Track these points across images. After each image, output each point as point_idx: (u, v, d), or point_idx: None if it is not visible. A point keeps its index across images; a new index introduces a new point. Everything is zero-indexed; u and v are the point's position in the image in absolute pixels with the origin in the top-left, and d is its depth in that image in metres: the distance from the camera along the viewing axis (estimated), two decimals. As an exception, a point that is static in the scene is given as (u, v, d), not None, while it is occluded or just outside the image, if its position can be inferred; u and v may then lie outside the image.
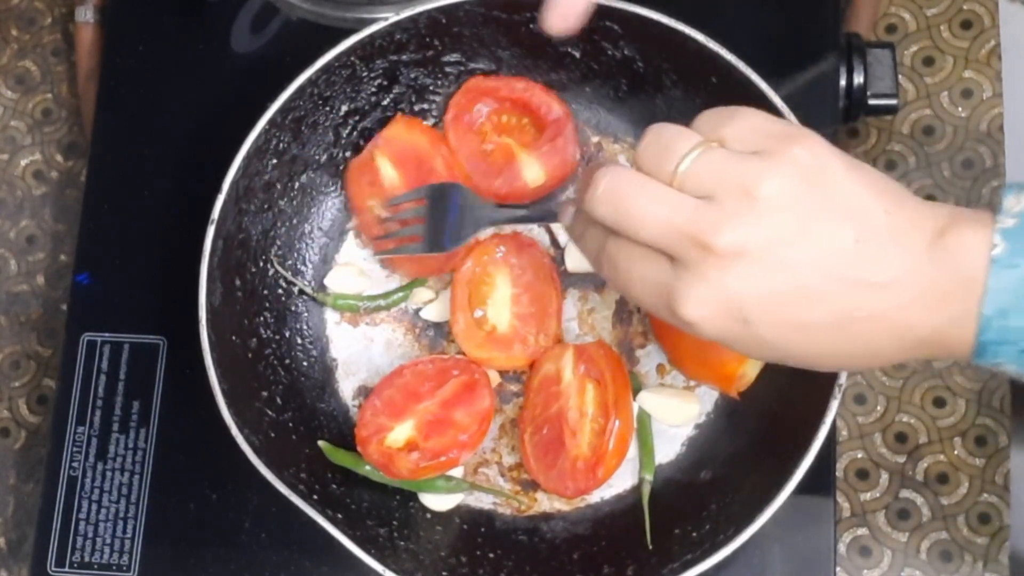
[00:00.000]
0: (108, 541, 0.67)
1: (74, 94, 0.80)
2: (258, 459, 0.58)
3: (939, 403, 0.69)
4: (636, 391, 0.65)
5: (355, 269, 0.69)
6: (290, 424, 0.64)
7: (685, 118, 0.67)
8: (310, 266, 0.69)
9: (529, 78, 0.68)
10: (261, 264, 0.67)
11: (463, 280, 0.66)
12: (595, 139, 0.70)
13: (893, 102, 0.68)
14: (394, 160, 0.67)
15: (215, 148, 0.63)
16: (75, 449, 0.68)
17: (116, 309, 0.70)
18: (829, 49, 0.68)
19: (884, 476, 0.68)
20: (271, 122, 0.63)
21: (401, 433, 0.63)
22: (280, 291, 0.68)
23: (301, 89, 0.64)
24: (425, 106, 0.70)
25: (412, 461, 0.62)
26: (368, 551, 0.57)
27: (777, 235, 0.43)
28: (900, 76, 0.71)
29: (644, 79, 0.66)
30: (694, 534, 0.60)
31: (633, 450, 0.65)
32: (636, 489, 0.65)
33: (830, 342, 0.45)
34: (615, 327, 0.68)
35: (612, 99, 0.69)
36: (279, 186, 0.67)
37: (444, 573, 0.60)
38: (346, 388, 0.68)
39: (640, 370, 0.67)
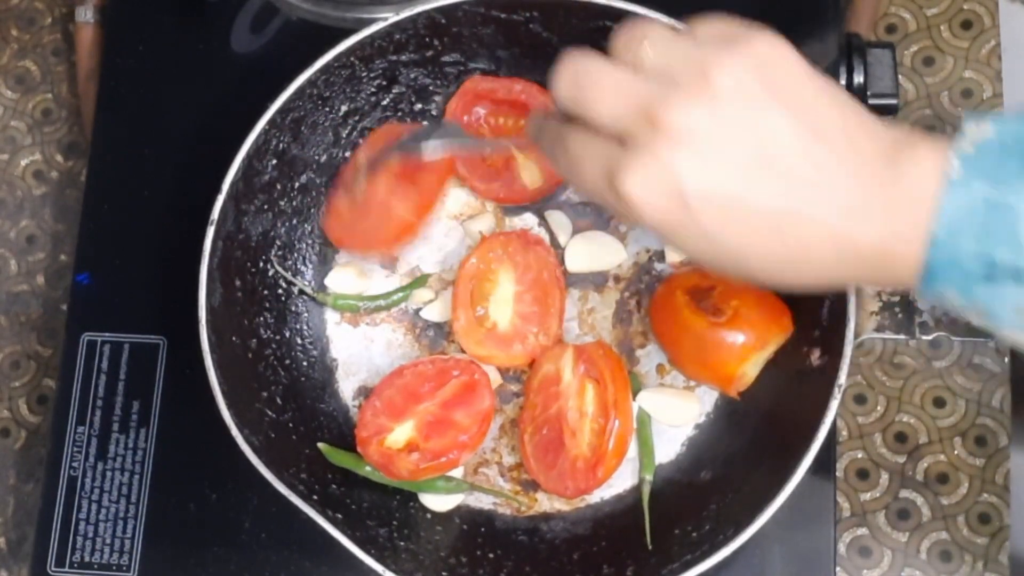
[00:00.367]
0: (108, 541, 0.67)
1: (74, 94, 0.80)
2: (258, 459, 0.58)
3: (939, 403, 0.69)
4: (636, 391, 0.65)
5: (355, 269, 0.69)
6: (290, 424, 0.64)
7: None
8: (310, 266, 0.69)
9: (528, 78, 0.68)
10: (261, 264, 0.67)
11: (467, 276, 0.66)
12: (595, 139, 0.70)
13: (893, 102, 0.68)
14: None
15: (215, 148, 0.63)
16: (75, 449, 0.68)
17: (116, 309, 0.70)
18: (829, 49, 0.68)
19: (884, 476, 0.68)
20: (271, 122, 0.63)
21: (401, 434, 0.63)
22: (280, 291, 0.68)
23: (301, 89, 0.64)
24: (424, 106, 0.70)
25: (412, 462, 0.62)
26: (368, 551, 0.57)
27: (727, 120, 0.42)
28: (900, 76, 0.71)
29: (644, 79, 0.66)
30: (694, 534, 0.60)
31: (633, 450, 0.65)
32: (636, 489, 0.65)
33: (767, 243, 0.44)
34: (615, 327, 0.68)
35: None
36: (279, 186, 0.67)
37: (444, 573, 0.60)
38: (346, 388, 0.68)
39: (640, 370, 0.67)
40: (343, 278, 0.69)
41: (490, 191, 0.68)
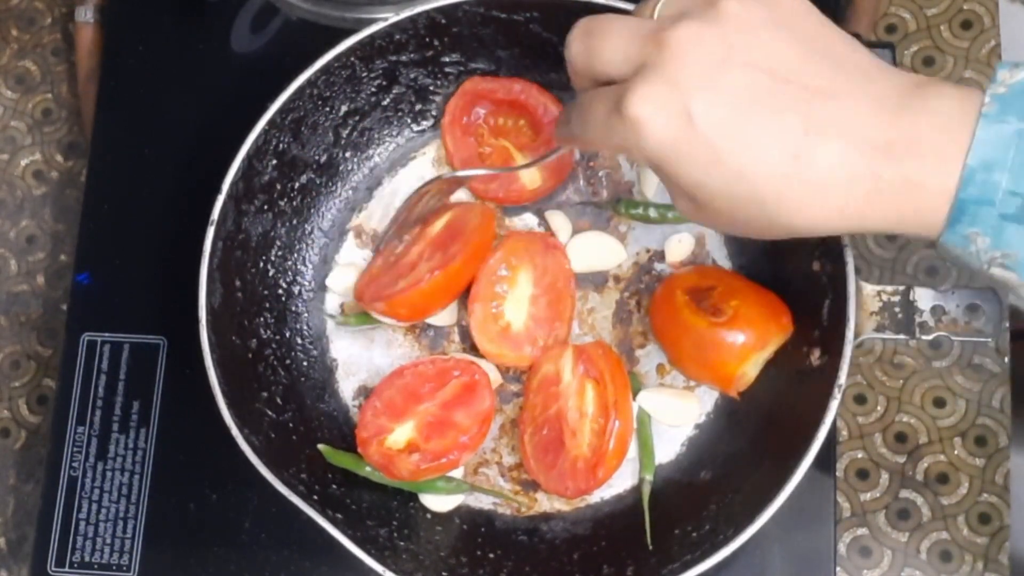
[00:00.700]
0: (108, 541, 0.67)
1: (74, 94, 0.80)
2: (258, 459, 0.58)
3: (939, 403, 0.69)
4: (636, 391, 0.65)
5: (355, 269, 0.69)
6: (290, 424, 0.64)
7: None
8: (310, 266, 0.69)
9: (528, 78, 0.68)
10: (261, 264, 0.67)
11: (489, 272, 0.66)
12: (595, 139, 0.70)
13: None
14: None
15: (215, 148, 0.63)
16: (75, 449, 0.68)
17: (116, 309, 0.70)
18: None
19: (884, 476, 0.68)
20: (271, 122, 0.63)
21: (402, 434, 0.63)
22: (280, 291, 0.68)
23: (301, 89, 0.64)
24: (424, 106, 0.70)
25: (413, 463, 0.62)
26: (368, 551, 0.57)
27: (736, 42, 0.42)
28: (900, 76, 0.71)
29: (644, 79, 0.66)
30: (694, 534, 0.60)
31: (633, 450, 0.65)
32: (636, 489, 0.65)
33: (779, 171, 0.42)
34: (615, 327, 0.68)
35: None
36: (279, 186, 0.67)
37: (444, 573, 0.60)
38: (346, 388, 0.68)
39: (640, 370, 0.67)
40: (343, 278, 0.69)
41: (489, 192, 0.68)
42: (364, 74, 0.66)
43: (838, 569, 0.66)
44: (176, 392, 0.69)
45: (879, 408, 0.69)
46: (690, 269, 0.67)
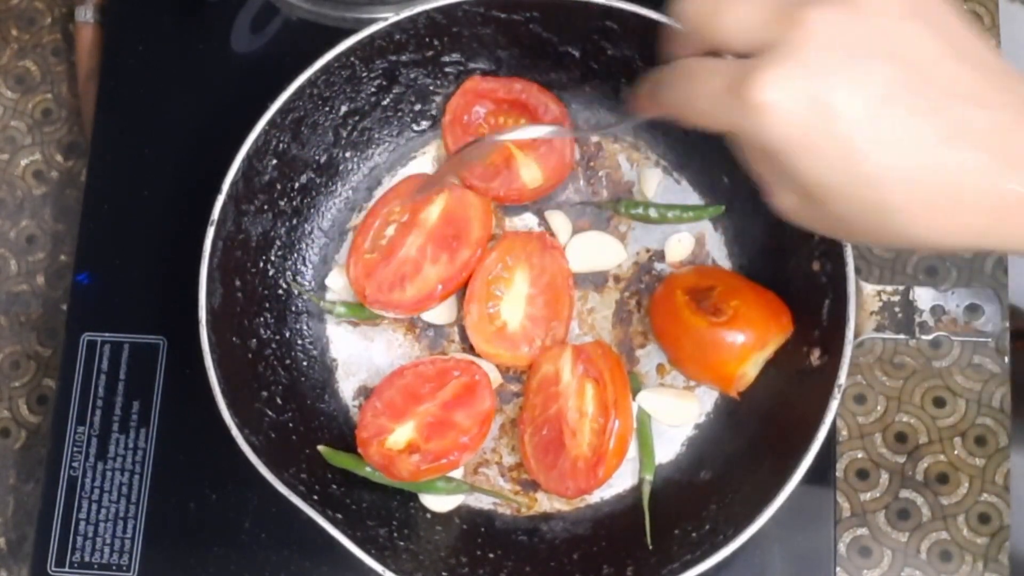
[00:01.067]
0: (108, 541, 0.67)
1: (74, 94, 0.80)
2: (258, 459, 0.58)
3: (939, 403, 0.69)
4: (636, 391, 0.65)
5: (355, 269, 0.69)
6: (290, 424, 0.64)
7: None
8: (310, 266, 0.69)
9: (528, 78, 0.68)
10: (261, 264, 0.67)
11: (484, 272, 0.66)
12: (595, 139, 0.70)
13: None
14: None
15: (215, 148, 0.63)
16: (75, 449, 0.68)
17: (116, 309, 0.70)
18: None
19: (884, 476, 0.68)
20: (271, 122, 0.63)
21: (402, 435, 0.63)
22: (280, 291, 0.68)
23: (301, 89, 0.64)
24: (424, 106, 0.70)
25: (413, 463, 0.62)
26: (368, 551, 0.57)
27: (875, 32, 0.39)
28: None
29: (644, 79, 0.66)
30: (694, 534, 0.60)
31: (633, 450, 0.65)
32: (636, 489, 0.65)
33: (912, 174, 0.39)
34: (615, 327, 0.68)
35: (612, 99, 0.69)
36: (279, 186, 0.67)
37: (444, 573, 0.60)
38: (346, 388, 0.68)
39: (640, 370, 0.67)
40: (343, 278, 0.69)
41: (490, 190, 0.68)
42: (364, 74, 0.66)
43: (838, 569, 0.66)
44: (176, 392, 0.69)
45: (879, 408, 0.69)
46: (690, 269, 0.67)
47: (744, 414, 0.64)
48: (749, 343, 0.61)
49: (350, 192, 0.70)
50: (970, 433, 0.69)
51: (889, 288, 0.59)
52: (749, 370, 0.62)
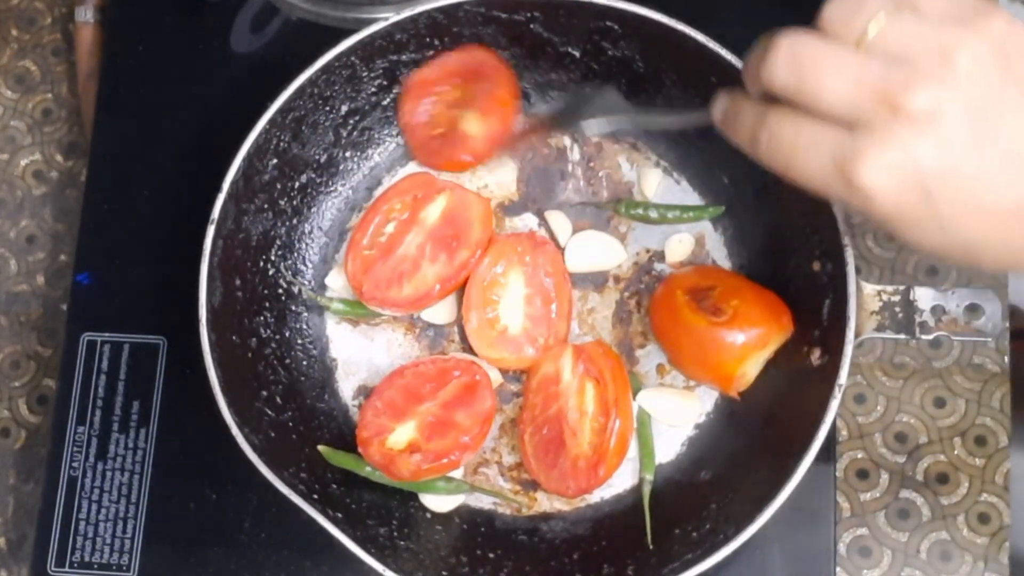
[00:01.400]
0: (108, 541, 0.67)
1: (74, 94, 0.80)
2: (258, 459, 0.58)
3: (939, 403, 0.69)
4: (636, 391, 0.65)
5: (355, 269, 0.69)
6: (290, 424, 0.64)
7: (685, 118, 0.67)
8: (310, 266, 0.69)
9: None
10: (261, 264, 0.67)
11: (479, 279, 0.66)
12: (595, 139, 0.70)
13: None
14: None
15: (215, 148, 0.63)
16: (75, 449, 0.68)
17: (116, 309, 0.70)
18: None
19: (884, 476, 0.68)
20: (271, 122, 0.63)
21: (402, 435, 0.63)
22: (280, 291, 0.68)
23: (301, 89, 0.64)
24: (425, 106, 0.70)
25: (414, 463, 0.62)
26: (368, 551, 0.57)
27: (974, 104, 0.41)
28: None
29: (644, 79, 0.66)
30: (694, 534, 0.60)
31: (633, 450, 0.65)
32: (636, 489, 0.65)
33: (1006, 234, 0.42)
34: (615, 327, 0.68)
35: (616, 96, 0.69)
36: (279, 186, 0.67)
37: (444, 573, 0.60)
38: (346, 388, 0.68)
39: (640, 370, 0.67)
40: (343, 277, 0.69)
41: (442, 160, 0.67)
42: (365, 74, 0.66)
43: (838, 569, 0.66)
44: (176, 392, 0.69)
45: (879, 408, 0.69)
46: (690, 269, 0.67)
47: (744, 414, 0.64)
48: (749, 343, 0.61)
49: (350, 192, 0.70)
50: (970, 433, 0.69)
51: (889, 288, 0.59)
52: (749, 370, 0.62)
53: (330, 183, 0.70)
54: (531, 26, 0.65)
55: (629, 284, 0.68)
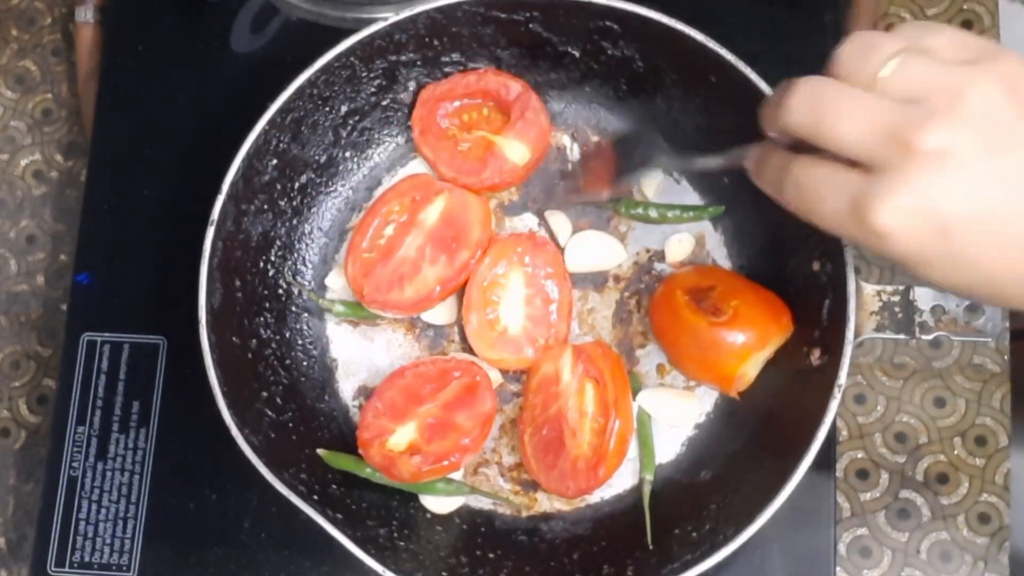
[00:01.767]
0: (108, 541, 0.67)
1: (74, 94, 0.80)
2: (258, 459, 0.58)
3: (939, 403, 0.69)
4: (636, 391, 0.65)
5: (355, 269, 0.69)
6: (290, 424, 0.64)
7: (684, 117, 0.67)
8: (310, 266, 0.69)
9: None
10: (261, 264, 0.67)
11: (479, 280, 0.66)
12: (595, 139, 0.70)
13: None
14: None
15: (215, 148, 0.63)
16: (75, 449, 0.68)
17: (116, 309, 0.70)
18: (829, 49, 0.68)
19: (884, 476, 0.68)
20: (271, 122, 0.63)
21: (403, 436, 0.63)
22: (280, 291, 0.68)
23: (301, 89, 0.64)
24: (425, 106, 0.70)
25: (414, 465, 0.62)
26: (368, 551, 0.57)
27: (987, 142, 0.41)
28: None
29: (644, 79, 0.66)
30: (694, 534, 0.60)
31: (633, 450, 0.65)
32: (636, 489, 0.65)
33: (1021, 265, 0.42)
34: (615, 327, 0.68)
35: (612, 99, 0.69)
36: (279, 187, 0.67)
37: (444, 573, 0.60)
38: (346, 388, 0.68)
39: (640, 370, 0.67)
40: (343, 278, 0.69)
41: (481, 182, 0.67)
42: (364, 74, 0.66)
43: (838, 569, 0.66)
44: (176, 392, 0.69)
45: (879, 408, 0.69)
46: (690, 269, 0.67)
47: (744, 414, 0.64)
48: (749, 343, 0.61)
49: (350, 192, 0.70)
50: (970, 433, 0.69)
51: (889, 288, 0.59)
52: (749, 370, 0.62)
53: (330, 183, 0.70)
54: (530, 26, 0.65)
55: (629, 284, 0.68)
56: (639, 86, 0.67)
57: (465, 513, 0.65)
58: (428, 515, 0.65)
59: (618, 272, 0.68)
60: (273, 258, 0.67)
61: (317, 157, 0.68)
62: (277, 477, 0.58)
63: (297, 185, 0.68)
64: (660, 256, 0.68)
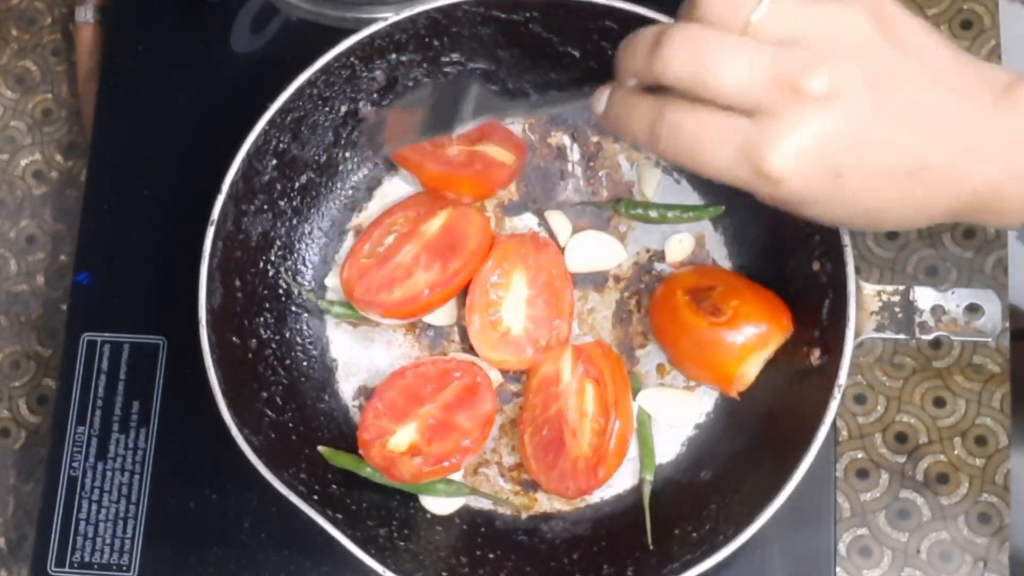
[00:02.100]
0: (108, 541, 0.67)
1: (74, 94, 0.80)
2: (258, 459, 0.58)
3: (939, 403, 0.69)
4: (636, 391, 0.65)
5: (355, 269, 0.69)
6: (290, 424, 0.64)
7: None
8: (310, 266, 0.69)
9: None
10: (261, 264, 0.67)
11: (482, 280, 0.66)
12: (595, 139, 0.70)
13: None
14: None
15: (215, 148, 0.63)
16: (75, 449, 0.68)
17: (116, 309, 0.70)
18: None
19: (884, 476, 0.68)
20: (271, 122, 0.63)
21: (404, 437, 0.63)
22: (280, 291, 0.68)
23: (301, 89, 0.64)
24: (425, 106, 0.70)
25: (415, 466, 0.62)
26: (368, 551, 0.57)
27: (871, 80, 0.42)
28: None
29: (644, 79, 0.66)
30: (694, 534, 0.60)
31: (633, 450, 0.65)
32: (636, 489, 0.65)
33: (899, 196, 0.44)
34: (615, 327, 0.68)
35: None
36: (279, 186, 0.67)
37: (444, 573, 0.60)
38: (346, 388, 0.68)
39: (640, 370, 0.67)
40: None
41: (472, 174, 0.67)
42: (364, 74, 0.66)
43: (838, 569, 0.66)
44: (176, 392, 0.69)
45: (879, 408, 0.69)
46: (690, 269, 0.67)
47: (744, 414, 0.64)
48: (749, 343, 0.61)
49: (350, 192, 0.70)
50: (970, 433, 0.69)
51: (889, 288, 0.59)
52: (749, 370, 0.62)
53: (330, 183, 0.70)
54: (530, 26, 0.65)
55: (629, 284, 0.68)
56: (639, 86, 0.67)
57: (465, 513, 0.65)
58: (428, 515, 0.65)
59: (618, 272, 0.68)
60: (273, 258, 0.67)
61: (317, 157, 0.68)
62: (277, 477, 0.58)
63: (297, 185, 0.68)
64: (660, 256, 0.68)
